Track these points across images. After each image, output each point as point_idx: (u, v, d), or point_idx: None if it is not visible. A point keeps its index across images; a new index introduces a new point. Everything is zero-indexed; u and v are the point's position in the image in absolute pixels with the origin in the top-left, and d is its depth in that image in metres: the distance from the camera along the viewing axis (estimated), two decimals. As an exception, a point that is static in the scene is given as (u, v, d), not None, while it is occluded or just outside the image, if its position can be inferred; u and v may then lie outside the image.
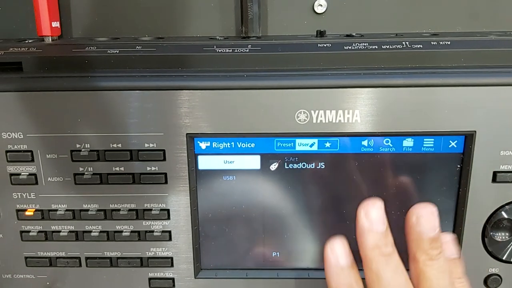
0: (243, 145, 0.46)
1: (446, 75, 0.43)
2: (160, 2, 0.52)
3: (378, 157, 0.46)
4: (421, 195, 0.47)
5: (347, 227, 0.48)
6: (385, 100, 0.43)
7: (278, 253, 0.50)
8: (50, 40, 0.49)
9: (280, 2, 0.52)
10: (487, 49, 0.44)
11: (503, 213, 0.46)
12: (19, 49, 0.46)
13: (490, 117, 0.43)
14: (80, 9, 0.53)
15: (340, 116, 0.44)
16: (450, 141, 0.45)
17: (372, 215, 0.39)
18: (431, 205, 0.39)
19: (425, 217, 0.39)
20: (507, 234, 0.47)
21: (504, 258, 0.47)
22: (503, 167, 0.45)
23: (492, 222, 0.46)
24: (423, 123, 0.44)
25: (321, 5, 0.51)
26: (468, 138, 0.44)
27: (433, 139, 0.45)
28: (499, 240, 0.47)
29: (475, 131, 0.44)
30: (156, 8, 0.53)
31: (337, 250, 0.41)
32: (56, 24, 0.50)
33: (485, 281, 0.48)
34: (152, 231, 0.48)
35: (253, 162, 0.47)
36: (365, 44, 0.45)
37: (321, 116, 0.44)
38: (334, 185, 0.47)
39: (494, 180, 0.45)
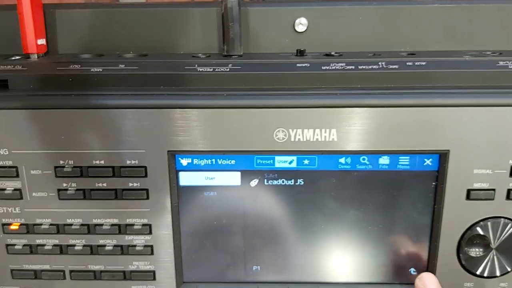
0: (224, 162, 0.47)
1: (420, 96, 0.44)
2: (145, 20, 0.53)
3: (355, 174, 0.47)
4: (398, 211, 0.48)
5: (325, 242, 0.49)
6: (361, 119, 0.44)
7: (258, 267, 0.51)
8: (36, 57, 0.50)
9: (262, 21, 0.53)
10: (460, 70, 0.45)
11: (477, 229, 0.47)
12: (5, 66, 0.47)
13: (463, 136, 0.44)
14: (66, 26, 0.54)
15: (317, 135, 0.45)
16: (425, 159, 0.46)
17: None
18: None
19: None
20: (481, 250, 0.48)
21: (478, 273, 0.48)
22: (476, 185, 0.46)
23: (467, 238, 0.47)
24: (398, 142, 0.45)
25: (302, 24, 0.52)
26: (442, 157, 0.45)
27: (408, 157, 0.46)
28: (474, 255, 0.48)
29: (449, 150, 0.45)
30: (141, 25, 0.53)
31: (424, 278, 0.46)
32: (42, 41, 0.51)
33: (461, 296, 0.49)
34: (135, 246, 0.49)
35: (234, 178, 0.48)
36: (342, 65, 0.46)
37: (299, 135, 0.45)
38: (313, 201, 0.48)
39: (468, 197, 0.46)
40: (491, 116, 0.44)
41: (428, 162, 0.46)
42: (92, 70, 0.46)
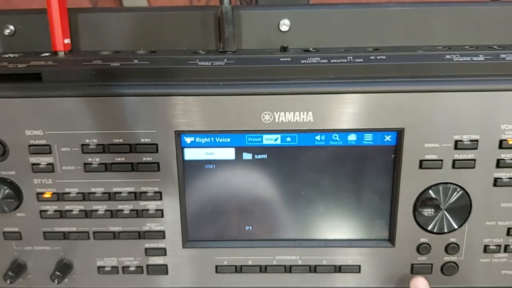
0: (221, 140, 0.57)
1: (380, 84, 0.53)
2: (154, 21, 0.62)
3: (329, 149, 0.57)
4: (364, 179, 0.58)
5: (305, 206, 0.59)
6: (333, 104, 0.54)
7: (250, 227, 0.60)
8: (63, 54, 0.60)
9: (252, 23, 0.62)
10: (413, 62, 0.55)
11: (429, 192, 0.57)
12: (39, 62, 0.56)
13: (416, 117, 0.54)
14: (88, 27, 0.63)
15: (297, 117, 0.55)
16: (385, 136, 0.56)
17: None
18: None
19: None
20: (432, 210, 0.57)
21: (429, 229, 0.58)
22: (427, 157, 0.55)
23: (420, 201, 0.57)
24: (363, 121, 0.54)
25: (285, 25, 0.62)
26: (399, 134, 0.55)
27: (371, 134, 0.56)
28: (426, 215, 0.58)
29: (404, 128, 0.55)
30: (151, 26, 0.62)
31: (417, 282, 0.58)
32: (67, 40, 0.60)
33: (418, 249, 0.59)
34: (148, 210, 0.58)
35: (229, 153, 0.57)
36: (318, 59, 0.56)
37: (282, 117, 0.55)
38: (294, 171, 0.58)
39: (420, 167, 0.56)
40: (438, 99, 0.53)
41: (387, 138, 0.56)
42: (111, 64, 0.55)
